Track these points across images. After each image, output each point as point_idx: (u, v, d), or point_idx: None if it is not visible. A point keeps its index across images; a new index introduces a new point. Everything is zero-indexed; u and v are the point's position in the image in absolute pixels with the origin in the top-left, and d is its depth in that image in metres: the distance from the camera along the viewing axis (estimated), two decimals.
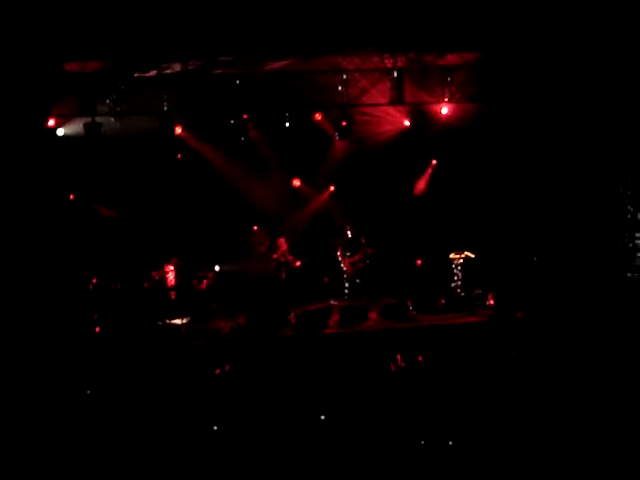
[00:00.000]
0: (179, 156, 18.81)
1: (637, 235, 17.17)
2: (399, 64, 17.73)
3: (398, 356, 13.67)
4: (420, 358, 13.55)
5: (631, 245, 17.34)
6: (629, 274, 17.24)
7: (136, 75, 16.94)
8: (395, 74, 17.92)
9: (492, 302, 17.18)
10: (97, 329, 15.94)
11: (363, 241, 18.27)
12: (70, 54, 15.86)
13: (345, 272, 18.24)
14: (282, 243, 18.07)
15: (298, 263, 18.07)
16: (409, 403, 11.99)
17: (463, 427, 11.26)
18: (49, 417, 11.87)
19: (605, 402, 11.58)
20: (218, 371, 13.41)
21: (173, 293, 17.27)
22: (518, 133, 17.78)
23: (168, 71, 16.92)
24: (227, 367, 13.48)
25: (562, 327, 14.77)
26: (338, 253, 18.32)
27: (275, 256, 18.03)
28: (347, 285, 18.21)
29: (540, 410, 11.56)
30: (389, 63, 17.68)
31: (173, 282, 17.32)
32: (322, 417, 11.52)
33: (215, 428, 11.64)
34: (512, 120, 17.80)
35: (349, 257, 18.23)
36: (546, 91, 16.92)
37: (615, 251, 17.25)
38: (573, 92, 16.45)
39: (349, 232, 18.43)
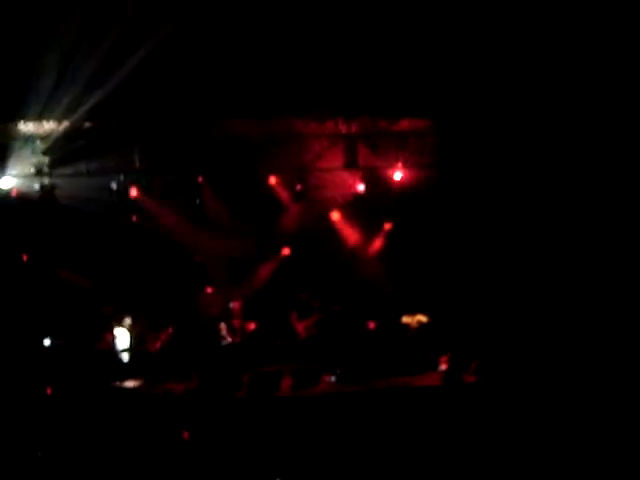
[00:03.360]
0: (134, 218, 18.78)
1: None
2: (353, 130, 17.97)
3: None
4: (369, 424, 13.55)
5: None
6: None
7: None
8: (350, 139, 18.15)
9: (444, 366, 17.19)
10: (48, 390, 15.73)
11: (316, 305, 18.26)
12: (24, 114, 15.89)
13: (299, 336, 18.17)
14: (236, 306, 18.00)
15: (252, 326, 17.99)
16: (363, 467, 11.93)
17: None
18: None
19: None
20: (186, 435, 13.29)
21: (125, 355, 17.09)
22: (471, 198, 18.03)
23: None
24: (181, 430, 13.35)
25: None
26: (292, 318, 18.26)
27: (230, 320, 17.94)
28: (300, 349, 18.12)
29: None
30: (343, 129, 17.91)
31: (125, 344, 17.14)
32: None
33: None
34: (465, 186, 18.07)
35: (302, 321, 18.19)
36: (497, 158, 17.23)
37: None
38: (526, 160, 16.78)
39: (303, 296, 18.39)
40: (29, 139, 17.08)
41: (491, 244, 18.15)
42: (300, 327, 18.17)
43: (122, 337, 17.30)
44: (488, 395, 14.67)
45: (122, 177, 17.82)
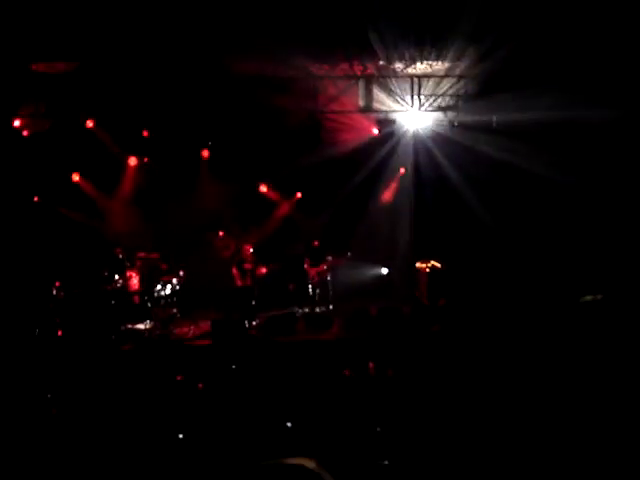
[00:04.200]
0: (146, 159, 18.69)
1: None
2: (368, 71, 17.74)
3: (371, 364, 13.63)
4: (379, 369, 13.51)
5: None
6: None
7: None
8: (364, 82, 17.94)
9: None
10: (59, 332, 15.78)
11: (329, 250, 18.20)
12: (37, 55, 15.76)
13: (311, 281, 18.14)
14: (248, 249, 17.93)
15: (264, 270, 17.94)
16: (376, 412, 11.90)
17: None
18: (9, 420, 11.66)
19: None
20: (180, 377, 13.27)
21: (136, 297, 17.07)
22: (487, 142, 17.85)
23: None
24: (190, 374, 13.34)
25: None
26: (305, 262, 18.21)
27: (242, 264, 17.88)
28: (312, 293, 18.11)
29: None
30: (358, 70, 17.68)
31: (137, 286, 17.11)
32: (288, 424, 11.40)
33: (181, 436, 11.47)
34: (482, 128, 17.89)
35: (315, 266, 18.14)
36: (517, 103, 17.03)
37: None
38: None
39: (315, 241, 18.31)
40: (43, 79, 16.96)
41: (503, 190, 18.01)
42: (313, 272, 18.10)
43: (134, 280, 17.26)
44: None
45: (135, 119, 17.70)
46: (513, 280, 17.49)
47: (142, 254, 17.57)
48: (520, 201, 17.93)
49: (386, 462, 10.30)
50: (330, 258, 18.16)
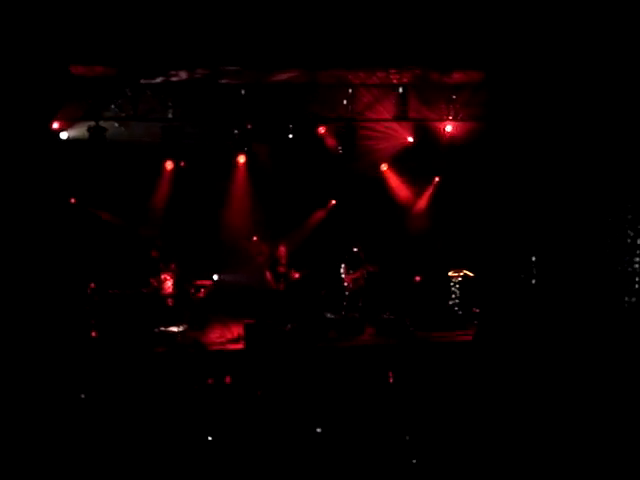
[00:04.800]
0: (182, 164, 18.83)
1: (636, 260, 17.17)
2: (404, 80, 17.75)
3: (390, 373, 13.70)
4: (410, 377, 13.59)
5: (630, 270, 17.33)
6: (627, 298, 17.23)
7: (143, 82, 16.89)
8: (400, 90, 17.92)
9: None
10: (94, 333, 15.95)
11: (363, 257, 18.25)
12: (77, 57, 15.87)
13: (347, 288, 18.20)
14: (282, 253, 18.03)
15: (297, 275, 18.02)
16: (403, 419, 11.96)
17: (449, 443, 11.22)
18: (44, 419, 11.82)
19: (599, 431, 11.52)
20: (211, 381, 13.39)
21: (170, 300, 17.21)
22: (521, 153, 17.79)
23: (175, 79, 16.88)
24: (228, 379, 13.46)
25: (556, 348, 14.74)
26: (342, 269, 18.26)
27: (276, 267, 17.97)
28: (347, 300, 18.16)
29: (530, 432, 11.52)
30: (395, 79, 17.68)
31: (171, 290, 17.26)
32: (318, 430, 11.48)
33: (210, 438, 11.57)
34: (516, 140, 17.82)
35: (351, 273, 18.20)
36: (550, 112, 16.96)
37: (614, 275, 17.25)
38: (576, 114, 16.49)
39: (353, 248, 18.36)
40: (80, 83, 17.11)
41: (539, 200, 17.94)
42: (348, 279, 18.16)
43: (168, 282, 17.40)
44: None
45: (172, 123, 17.76)
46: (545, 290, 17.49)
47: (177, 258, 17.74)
48: (554, 212, 17.88)
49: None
50: (366, 266, 18.22)
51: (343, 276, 18.28)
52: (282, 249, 18.17)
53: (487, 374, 13.61)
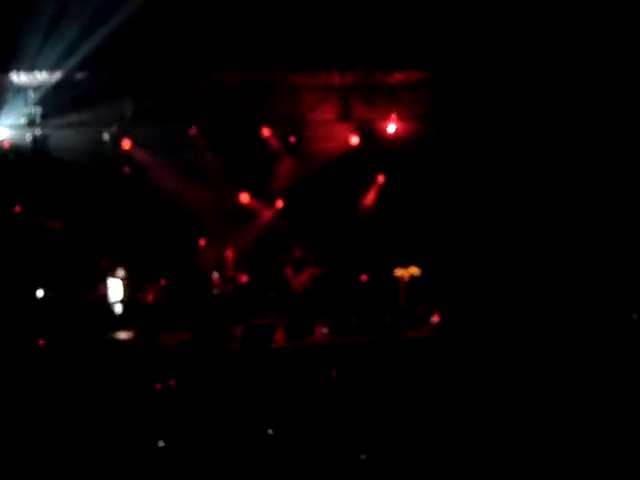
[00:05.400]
0: (127, 169, 18.73)
1: None
2: (347, 81, 17.87)
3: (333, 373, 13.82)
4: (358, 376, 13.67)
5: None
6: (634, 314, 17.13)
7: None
8: (344, 91, 18.06)
9: (437, 319, 17.27)
10: (41, 341, 15.83)
11: (310, 259, 18.31)
12: (16, 65, 15.81)
13: (294, 290, 18.25)
14: (229, 256, 18.03)
15: (244, 278, 18.02)
16: (353, 419, 12.02)
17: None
18: None
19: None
20: (159, 386, 13.36)
21: (119, 306, 17.14)
22: (464, 151, 18.01)
23: None
24: (172, 382, 13.42)
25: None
26: (287, 271, 18.32)
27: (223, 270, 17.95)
28: (294, 303, 18.20)
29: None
30: (337, 80, 17.80)
31: (120, 295, 17.20)
32: (270, 431, 11.51)
33: (161, 444, 11.55)
34: (459, 138, 18.03)
35: (297, 276, 18.25)
36: (492, 109, 17.19)
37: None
38: (519, 110, 16.73)
39: (298, 250, 18.41)
40: (21, 90, 17.00)
41: (481, 197, 18.17)
42: (295, 281, 18.22)
43: (115, 288, 17.33)
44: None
45: (115, 128, 17.69)
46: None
47: (124, 263, 17.69)
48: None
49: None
50: (312, 267, 18.27)
51: (289, 278, 18.35)
52: (229, 253, 18.18)
53: (447, 370, 13.74)
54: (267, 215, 19.85)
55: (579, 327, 15.12)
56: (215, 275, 17.89)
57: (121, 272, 17.49)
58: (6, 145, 17.48)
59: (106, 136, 17.70)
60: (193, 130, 18.02)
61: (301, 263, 18.33)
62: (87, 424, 12.03)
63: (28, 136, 17.35)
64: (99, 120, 17.45)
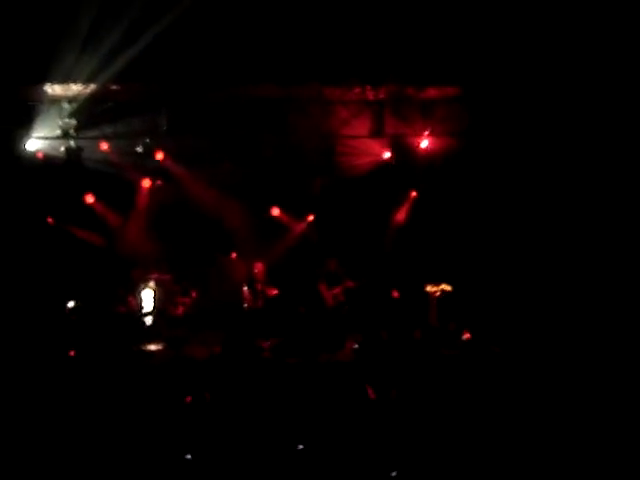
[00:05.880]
0: (159, 182, 18.78)
1: None
2: (381, 96, 17.84)
3: (369, 389, 13.67)
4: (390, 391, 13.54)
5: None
6: None
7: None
8: (377, 106, 18.03)
9: (468, 336, 17.14)
10: (72, 352, 15.86)
11: (342, 272, 18.25)
12: (51, 77, 15.89)
13: (325, 304, 18.20)
14: (259, 270, 17.99)
15: (275, 292, 17.98)
16: (385, 434, 11.93)
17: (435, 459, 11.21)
18: (26, 437, 11.72)
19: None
20: (189, 398, 13.32)
21: (149, 318, 17.17)
22: (498, 168, 17.92)
23: None
24: (203, 394, 13.37)
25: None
26: (320, 286, 18.26)
27: (253, 284, 17.91)
28: (326, 316, 18.15)
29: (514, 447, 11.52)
30: (370, 95, 17.78)
31: (150, 307, 17.23)
32: (300, 447, 11.44)
33: (189, 457, 11.50)
34: (493, 155, 17.94)
35: (331, 289, 18.20)
36: (525, 127, 17.11)
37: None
38: (553, 128, 16.64)
39: (331, 264, 18.35)
40: (56, 101, 17.12)
41: (516, 215, 18.07)
42: (328, 295, 18.16)
43: (146, 300, 17.35)
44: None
45: (148, 141, 17.76)
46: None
47: (155, 275, 17.71)
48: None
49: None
50: (345, 282, 18.21)
51: (322, 293, 18.29)
52: (259, 266, 18.14)
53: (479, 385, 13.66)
54: (299, 229, 19.80)
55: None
56: (245, 289, 17.83)
57: (152, 284, 17.48)
58: (40, 156, 17.57)
59: (140, 148, 17.75)
60: (226, 143, 18.04)
61: (334, 277, 18.26)
62: (116, 435, 12.03)
63: (62, 148, 17.40)
64: (133, 132, 17.53)
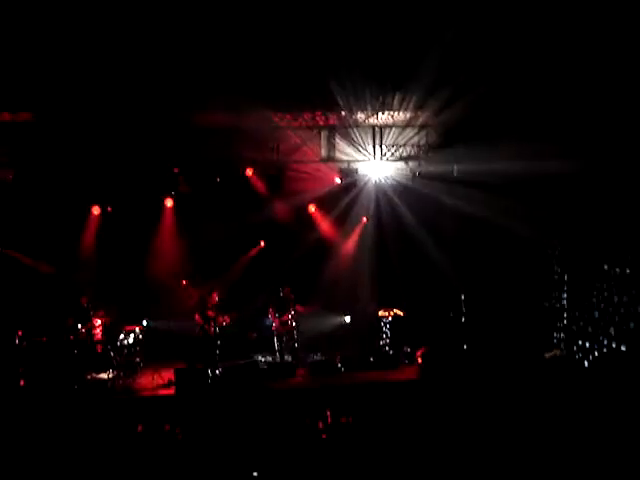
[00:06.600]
0: (109, 209, 18.65)
1: (563, 296, 17.50)
2: (330, 122, 17.92)
3: (327, 412, 13.63)
4: (343, 418, 13.52)
5: (558, 305, 17.65)
6: (555, 334, 17.57)
7: None
8: (326, 132, 18.11)
9: (420, 360, 17.20)
10: (22, 382, 15.68)
11: (293, 298, 18.22)
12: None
13: (275, 331, 18.16)
14: (212, 297, 17.90)
15: (227, 318, 17.89)
16: (338, 460, 11.90)
17: None
18: None
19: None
20: (140, 428, 13.20)
21: (100, 347, 16.99)
22: (449, 193, 18.07)
23: None
24: (167, 427, 13.25)
25: (490, 385, 14.89)
26: (270, 312, 18.21)
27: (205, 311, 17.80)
28: (276, 342, 18.12)
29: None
30: (321, 121, 17.85)
31: (100, 336, 17.05)
32: (254, 474, 11.36)
33: None
34: (442, 180, 18.11)
35: (280, 316, 18.14)
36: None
37: (543, 311, 17.57)
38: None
39: (280, 291, 18.31)
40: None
41: (464, 236, 18.24)
42: (277, 321, 18.11)
43: (97, 329, 17.19)
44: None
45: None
46: (475, 328, 17.79)
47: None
48: (480, 250, 18.15)
49: None
50: (295, 307, 18.18)
51: (270, 318, 18.26)
52: (212, 295, 18.00)
53: (430, 412, 13.66)
54: (249, 255, 19.76)
55: None
56: (197, 315, 17.72)
57: (102, 312, 17.32)
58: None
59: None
60: (175, 170, 18.00)
61: (283, 303, 18.22)
62: (65, 465, 11.88)
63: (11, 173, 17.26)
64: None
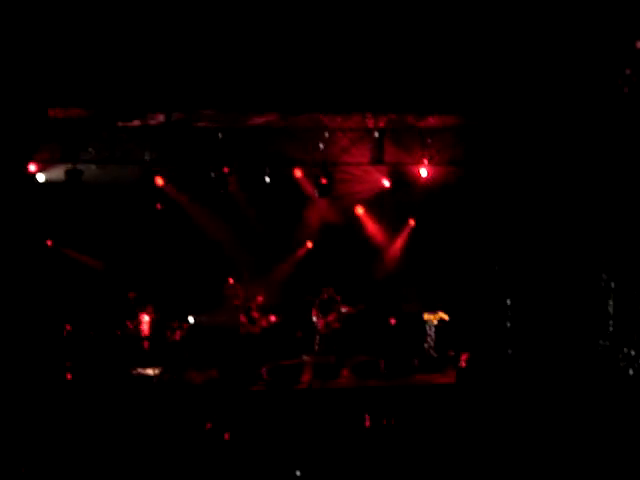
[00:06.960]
0: (158, 206, 18.78)
1: (609, 303, 17.32)
2: (380, 124, 17.89)
3: (366, 416, 13.66)
4: (386, 420, 13.53)
5: (604, 312, 17.48)
6: (601, 341, 17.39)
7: (120, 124, 16.92)
8: (376, 134, 18.07)
9: (464, 364, 17.14)
10: (69, 376, 15.85)
11: (338, 299, 18.22)
12: (54, 100, 15.90)
13: (319, 332, 18.19)
14: (258, 298, 17.97)
15: (273, 318, 17.97)
16: (380, 461, 11.93)
17: None
18: (22, 463, 11.70)
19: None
20: (209, 425, 13.29)
21: (146, 343, 17.15)
22: (496, 196, 17.97)
23: (152, 122, 16.92)
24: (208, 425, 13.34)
25: (534, 391, 14.81)
26: (313, 313, 18.23)
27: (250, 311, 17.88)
28: (320, 343, 18.14)
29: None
30: (370, 123, 17.82)
31: (147, 332, 17.21)
32: (297, 473, 11.43)
33: None
34: (491, 184, 18.01)
35: (324, 317, 18.16)
36: (525, 156, 17.15)
37: (588, 318, 17.41)
38: (552, 158, 16.68)
39: (325, 291, 18.33)
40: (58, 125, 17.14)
41: (513, 243, 18.11)
42: (321, 323, 18.13)
43: (144, 324, 17.35)
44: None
45: (148, 165, 17.77)
46: (520, 333, 17.68)
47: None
48: (527, 256, 18.04)
49: None
50: (340, 308, 18.19)
51: (315, 319, 18.28)
52: (258, 294, 18.08)
53: (470, 417, 13.63)
54: (297, 256, 19.82)
55: None
56: (242, 315, 17.81)
57: (150, 308, 17.48)
58: (41, 180, 17.58)
59: (139, 173, 17.77)
60: (225, 170, 18.06)
61: (327, 304, 18.23)
62: (113, 459, 12.01)
63: (63, 171, 17.40)
64: (134, 157, 17.54)
